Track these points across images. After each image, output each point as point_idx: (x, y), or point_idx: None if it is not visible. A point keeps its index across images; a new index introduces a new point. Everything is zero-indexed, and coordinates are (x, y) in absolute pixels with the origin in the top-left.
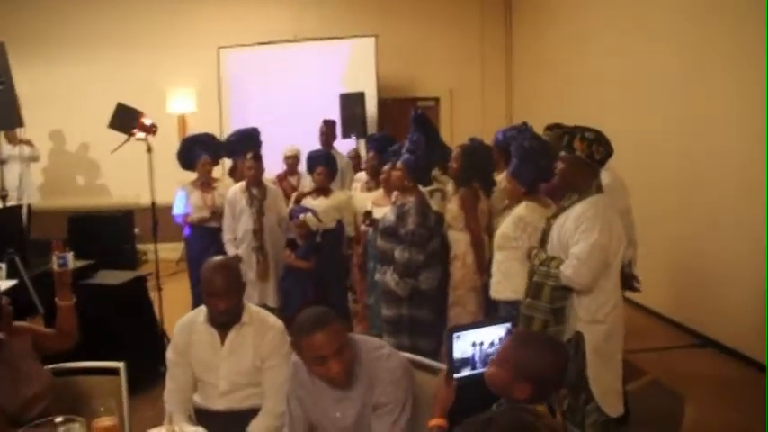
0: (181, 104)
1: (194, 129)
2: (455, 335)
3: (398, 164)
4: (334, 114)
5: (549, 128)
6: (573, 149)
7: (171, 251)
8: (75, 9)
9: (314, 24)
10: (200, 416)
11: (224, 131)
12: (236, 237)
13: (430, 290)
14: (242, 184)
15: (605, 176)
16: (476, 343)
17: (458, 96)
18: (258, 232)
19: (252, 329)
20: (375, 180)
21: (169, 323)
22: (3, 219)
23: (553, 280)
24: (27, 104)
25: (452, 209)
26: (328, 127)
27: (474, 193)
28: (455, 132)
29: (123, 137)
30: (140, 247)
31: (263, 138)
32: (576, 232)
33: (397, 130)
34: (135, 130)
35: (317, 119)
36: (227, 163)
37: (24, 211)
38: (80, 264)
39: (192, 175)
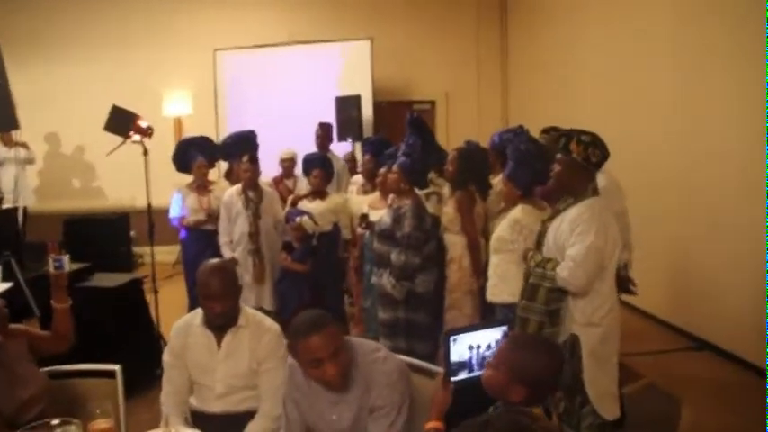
0: (177, 107)
1: (190, 131)
2: (452, 338)
3: (394, 167)
4: (330, 117)
5: (546, 131)
6: (569, 152)
7: (167, 254)
8: (71, 12)
9: (310, 27)
10: (197, 418)
11: (220, 134)
12: (233, 240)
13: (426, 293)
14: (238, 186)
15: (601, 179)
16: (473, 346)
17: (454, 99)
18: (254, 235)
19: (248, 332)
20: (371, 183)
21: (165, 326)
22: None
23: (549, 282)
24: (22, 107)
25: (448, 212)
26: (324, 130)
27: (470, 196)
28: (451, 135)
29: (119, 139)
30: (136, 249)
31: (259, 140)
32: (572, 235)
33: (392, 133)
34: (131, 133)
35: (313, 122)
36: (223, 166)
37: (20, 213)
38: (76, 266)
39: (189, 178)
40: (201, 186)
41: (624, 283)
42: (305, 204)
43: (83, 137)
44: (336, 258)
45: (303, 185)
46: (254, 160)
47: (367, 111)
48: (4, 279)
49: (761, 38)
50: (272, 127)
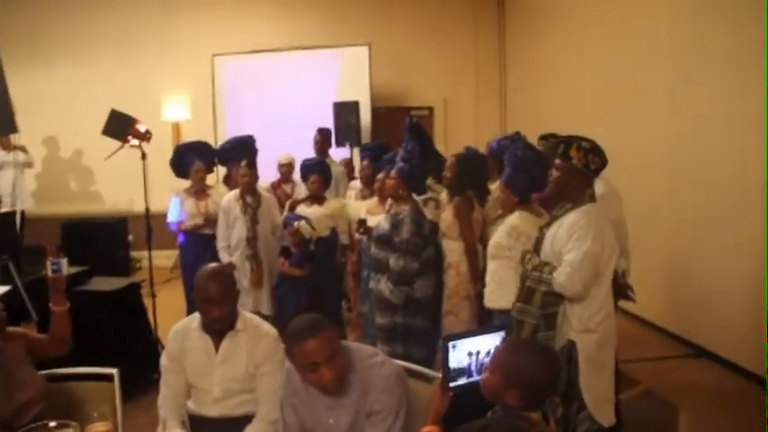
0: (175, 112)
1: (189, 136)
2: (451, 344)
3: (393, 172)
4: (328, 123)
5: (544, 137)
6: (569, 158)
7: (165, 258)
8: (70, 15)
9: (308, 33)
10: (194, 422)
11: (218, 139)
12: (230, 244)
13: (424, 298)
14: (236, 191)
15: (599, 186)
16: (472, 353)
17: (452, 105)
18: (252, 240)
19: (246, 337)
20: (369, 188)
21: (163, 330)
22: None
23: (545, 286)
24: (21, 110)
25: (446, 218)
26: (323, 136)
27: (468, 201)
28: (449, 141)
29: (117, 143)
30: (134, 254)
31: (257, 145)
32: (569, 241)
33: (391, 138)
34: (129, 137)
35: (311, 127)
36: (221, 171)
37: (18, 217)
38: (74, 270)
39: (187, 183)
40: (199, 191)
41: (623, 290)
42: (303, 209)
43: (81, 141)
44: (334, 263)
45: (301, 190)
46: (252, 165)
47: (365, 116)
48: (2, 282)
49: (761, 37)
50: (270, 132)
